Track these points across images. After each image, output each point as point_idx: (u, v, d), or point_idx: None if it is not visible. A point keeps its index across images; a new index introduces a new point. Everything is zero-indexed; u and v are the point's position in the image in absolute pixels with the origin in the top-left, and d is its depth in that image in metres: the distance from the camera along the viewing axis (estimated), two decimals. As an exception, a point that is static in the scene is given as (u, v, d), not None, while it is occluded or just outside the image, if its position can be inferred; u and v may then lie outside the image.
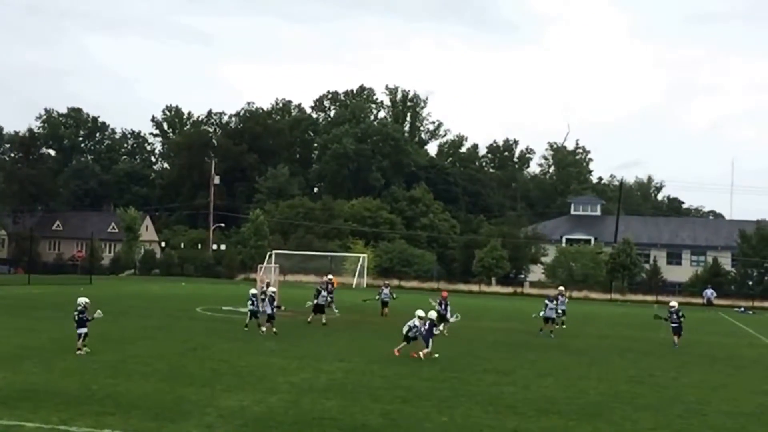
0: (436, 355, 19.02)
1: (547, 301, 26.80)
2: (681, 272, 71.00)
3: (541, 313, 26.57)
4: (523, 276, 69.54)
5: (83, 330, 18.02)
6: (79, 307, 18.12)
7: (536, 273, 68.93)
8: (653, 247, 74.42)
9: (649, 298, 59.40)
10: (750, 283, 63.50)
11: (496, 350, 21.79)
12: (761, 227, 64.50)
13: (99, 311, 18.72)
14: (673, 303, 25.94)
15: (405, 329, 19.57)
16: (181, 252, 74.90)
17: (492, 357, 20.18)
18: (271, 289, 25.12)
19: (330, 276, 32.73)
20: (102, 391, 13.20)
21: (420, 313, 19.66)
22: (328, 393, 13.87)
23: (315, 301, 27.25)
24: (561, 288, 32.66)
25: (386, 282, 35.26)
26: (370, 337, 23.74)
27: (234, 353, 18.70)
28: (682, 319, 24.70)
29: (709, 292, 58.34)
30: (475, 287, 62.40)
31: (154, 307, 33.15)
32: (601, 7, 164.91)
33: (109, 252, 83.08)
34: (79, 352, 17.73)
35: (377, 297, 31.81)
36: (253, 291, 25.22)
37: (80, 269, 67.70)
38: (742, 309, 52.56)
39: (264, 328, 23.40)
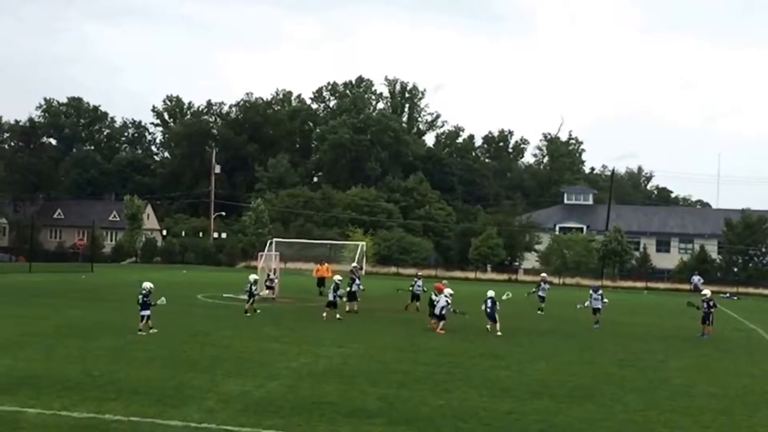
0: (499, 333, 21.78)
1: (591, 292, 26.56)
2: (669, 259, 72.00)
3: (586, 304, 26.34)
4: (517, 263, 70.18)
5: (146, 312, 19.42)
6: (144, 291, 19.61)
7: (530, 260, 69.69)
8: (643, 235, 75.38)
9: (638, 284, 60.25)
10: (735, 269, 64.50)
11: (490, 335, 22.01)
12: (746, 216, 65.38)
13: (163, 298, 19.61)
14: (706, 291, 25.78)
15: (484, 307, 22.73)
16: (183, 240, 75.20)
17: (487, 342, 20.46)
18: (337, 277, 25.71)
19: (354, 264, 33.27)
20: (103, 377, 13.30)
21: (491, 293, 22.97)
22: (327, 378, 14.07)
23: (348, 289, 27.36)
24: (543, 275, 32.80)
25: (419, 273, 33.27)
26: (368, 324, 23.99)
27: (234, 339, 18.91)
28: (712, 310, 24.41)
29: (696, 278, 58.95)
30: (471, 274, 62.91)
31: (156, 294, 33.30)
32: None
33: (111, 240, 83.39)
34: (140, 332, 19.07)
35: (410, 288, 29.71)
36: (254, 276, 25.83)
37: (81, 257, 67.98)
38: (728, 295, 53.01)
39: (325, 314, 24.13)
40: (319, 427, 10.56)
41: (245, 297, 25.69)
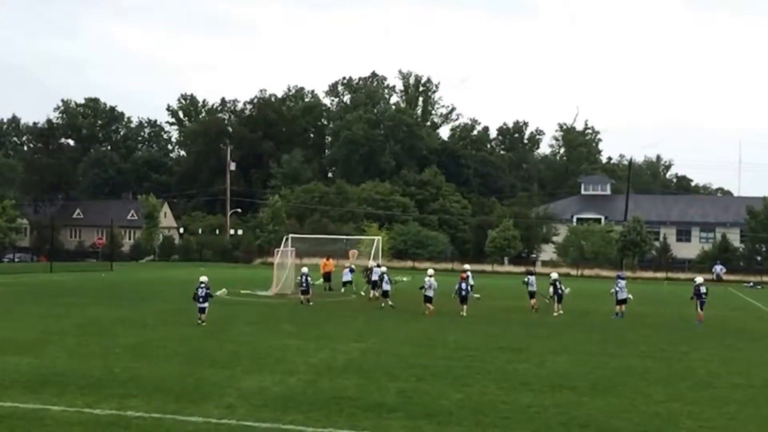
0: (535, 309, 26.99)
1: (618, 282, 26.86)
2: (690, 249, 71.43)
3: (612, 292, 26.79)
4: (535, 255, 69.85)
5: (206, 305, 20.71)
6: (203, 284, 20.87)
7: (548, 252, 69.36)
8: (663, 225, 74.75)
9: (659, 275, 59.67)
10: (758, 258, 63.83)
11: (509, 328, 22.02)
12: None
13: (224, 289, 20.27)
14: (698, 279, 26.64)
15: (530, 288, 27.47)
16: (200, 237, 75.68)
17: (506, 335, 20.41)
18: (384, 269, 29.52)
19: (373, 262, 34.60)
20: (125, 374, 13.38)
21: (555, 275, 27.75)
22: (346, 373, 14.07)
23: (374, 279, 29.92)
24: (466, 266, 32.79)
25: (530, 270, 33.42)
26: (385, 318, 24.01)
27: (253, 335, 19.00)
28: (692, 297, 25.53)
29: (718, 268, 58.52)
30: (488, 267, 62.73)
31: (174, 291, 33.56)
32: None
33: (129, 239, 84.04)
34: (202, 323, 20.40)
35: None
36: (305, 269, 28.55)
37: (101, 256, 68.56)
38: (751, 284, 52.58)
39: (383, 303, 27.27)
40: (338, 422, 10.54)
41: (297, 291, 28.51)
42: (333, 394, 12.22)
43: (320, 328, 20.95)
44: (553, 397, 12.43)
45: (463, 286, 25.69)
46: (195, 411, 10.89)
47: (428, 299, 25.39)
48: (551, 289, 26.96)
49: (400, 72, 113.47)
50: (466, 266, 32.83)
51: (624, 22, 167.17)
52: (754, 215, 64.31)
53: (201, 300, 20.66)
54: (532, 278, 28.20)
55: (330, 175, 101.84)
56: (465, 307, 25.36)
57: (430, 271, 27.48)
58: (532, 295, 27.66)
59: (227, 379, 13.25)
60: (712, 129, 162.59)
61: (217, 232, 78.17)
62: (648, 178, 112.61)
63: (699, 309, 25.05)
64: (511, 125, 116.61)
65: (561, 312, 26.22)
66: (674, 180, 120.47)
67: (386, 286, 27.55)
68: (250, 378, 13.35)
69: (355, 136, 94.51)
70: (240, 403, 11.43)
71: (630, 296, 26.74)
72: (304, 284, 27.53)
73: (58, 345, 16.76)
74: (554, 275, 27.89)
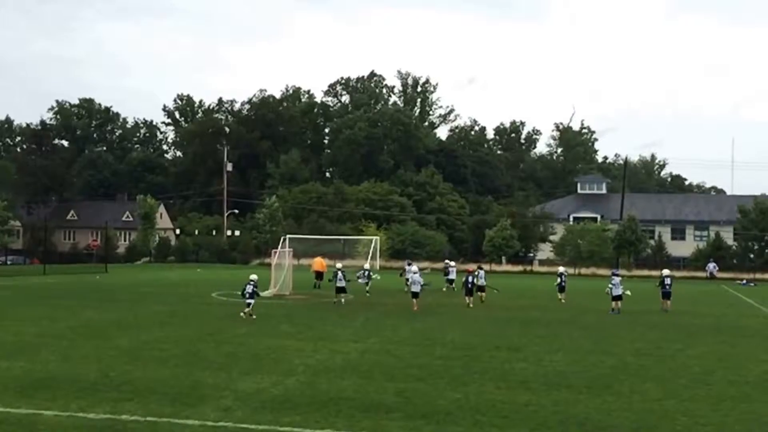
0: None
1: (612, 279, 28.37)
2: (685, 247, 71.99)
3: (606, 290, 28.08)
4: (532, 254, 70.04)
5: (252, 300, 22.44)
6: (252, 282, 22.49)
7: (545, 251, 69.54)
8: (658, 224, 75.37)
9: (654, 273, 59.81)
10: (751, 256, 64.19)
11: (507, 327, 22.00)
12: (759, 202, 64.92)
13: (268, 290, 23.09)
14: (665, 271, 29.96)
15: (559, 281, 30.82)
16: (196, 239, 75.45)
17: (504, 334, 20.38)
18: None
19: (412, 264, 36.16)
20: (119, 378, 13.26)
21: (561, 269, 32.29)
22: (344, 373, 14.02)
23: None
24: (408, 260, 38.08)
25: (480, 265, 36.28)
26: (383, 318, 23.96)
27: (250, 337, 18.88)
28: (657, 285, 28.74)
29: (711, 265, 58.87)
30: (485, 266, 62.74)
31: (170, 293, 33.50)
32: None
33: (124, 240, 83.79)
34: (242, 315, 22.22)
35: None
36: (367, 266, 31.81)
37: (95, 258, 68.31)
38: (744, 281, 52.83)
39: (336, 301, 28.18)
40: (336, 423, 10.50)
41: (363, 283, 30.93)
42: (331, 395, 12.17)
43: (318, 328, 20.88)
44: (550, 396, 12.42)
45: (470, 279, 28.30)
46: (191, 414, 10.81)
47: (415, 295, 26.73)
48: (558, 279, 31.32)
49: (398, 72, 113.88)
50: (447, 260, 39.90)
51: (619, 24, 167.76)
52: (745, 214, 64.76)
53: (247, 296, 22.34)
54: (482, 272, 30.55)
55: (328, 175, 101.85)
56: (471, 299, 27.84)
57: (414, 268, 29.87)
58: (479, 288, 29.45)
59: (224, 381, 13.16)
60: (706, 128, 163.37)
61: (214, 233, 78.02)
62: (643, 177, 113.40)
63: (664, 298, 28.05)
64: (508, 125, 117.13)
65: (563, 300, 30.33)
66: (669, 179, 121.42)
67: (340, 283, 28.03)
68: (247, 379, 13.27)
69: (355, 136, 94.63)
70: (237, 405, 11.36)
71: (628, 292, 27.67)
72: (363, 278, 29.64)
73: (52, 348, 16.61)
74: (561, 269, 32.69)
